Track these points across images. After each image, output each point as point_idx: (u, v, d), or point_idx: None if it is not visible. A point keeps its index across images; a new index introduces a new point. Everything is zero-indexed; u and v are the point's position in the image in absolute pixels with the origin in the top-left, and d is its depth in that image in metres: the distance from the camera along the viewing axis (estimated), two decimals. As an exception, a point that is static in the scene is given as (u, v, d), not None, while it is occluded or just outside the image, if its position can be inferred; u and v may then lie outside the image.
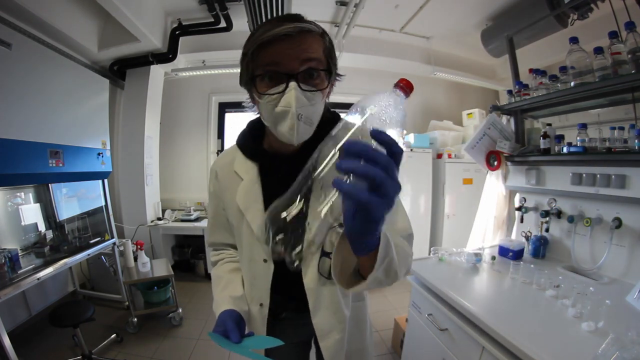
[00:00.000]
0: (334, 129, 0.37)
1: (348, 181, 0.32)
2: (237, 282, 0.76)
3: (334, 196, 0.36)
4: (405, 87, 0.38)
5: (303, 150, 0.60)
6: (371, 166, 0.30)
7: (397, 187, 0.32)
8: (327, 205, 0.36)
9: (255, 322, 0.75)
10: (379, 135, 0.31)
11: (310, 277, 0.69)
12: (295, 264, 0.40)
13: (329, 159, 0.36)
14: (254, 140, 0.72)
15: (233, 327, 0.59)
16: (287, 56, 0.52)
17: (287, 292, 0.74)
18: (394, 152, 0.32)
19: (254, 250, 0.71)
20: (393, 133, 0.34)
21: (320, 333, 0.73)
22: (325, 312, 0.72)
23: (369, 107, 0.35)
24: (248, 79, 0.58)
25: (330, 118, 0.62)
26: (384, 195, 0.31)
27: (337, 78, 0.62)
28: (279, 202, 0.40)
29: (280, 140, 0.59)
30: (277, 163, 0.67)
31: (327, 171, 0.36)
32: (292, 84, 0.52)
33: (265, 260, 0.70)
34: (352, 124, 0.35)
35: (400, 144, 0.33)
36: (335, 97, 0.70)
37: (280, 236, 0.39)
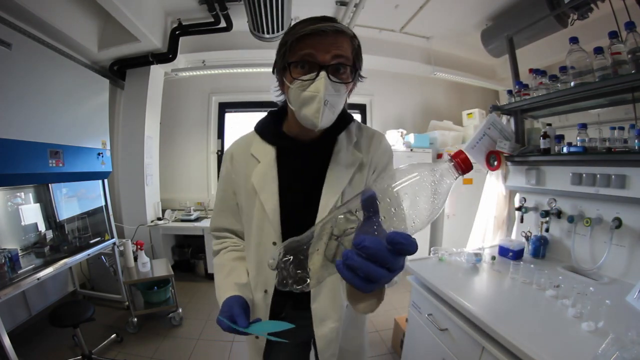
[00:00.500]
0: (381, 179, 0.38)
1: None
2: (241, 270, 0.76)
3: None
4: (461, 165, 0.35)
5: (319, 140, 0.70)
6: (375, 267, 0.33)
7: (396, 274, 0.35)
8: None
9: (259, 310, 0.75)
10: (396, 242, 0.32)
11: (314, 260, 0.68)
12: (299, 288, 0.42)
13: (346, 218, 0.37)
14: (274, 124, 0.76)
15: (240, 312, 0.60)
16: (321, 49, 0.59)
17: None
18: (408, 252, 0.33)
19: (264, 232, 0.71)
20: (426, 206, 0.34)
21: (317, 320, 0.73)
22: (325, 298, 0.73)
23: (413, 175, 0.35)
24: (282, 66, 0.64)
25: (344, 116, 0.71)
26: (379, 284, 0.34)
27: (360, 79, 0.69)
28: (299, 238, 0.42)
29: (301, 124, 0.65)
30: (295, 148, 0.72)
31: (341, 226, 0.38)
32: (323, 73, 0.59)
33: (274, 243, 0.70)
34: (391, 181, 0.35)
35: (433, 217, 0.35)
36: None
37: (290, 265, 0.40)
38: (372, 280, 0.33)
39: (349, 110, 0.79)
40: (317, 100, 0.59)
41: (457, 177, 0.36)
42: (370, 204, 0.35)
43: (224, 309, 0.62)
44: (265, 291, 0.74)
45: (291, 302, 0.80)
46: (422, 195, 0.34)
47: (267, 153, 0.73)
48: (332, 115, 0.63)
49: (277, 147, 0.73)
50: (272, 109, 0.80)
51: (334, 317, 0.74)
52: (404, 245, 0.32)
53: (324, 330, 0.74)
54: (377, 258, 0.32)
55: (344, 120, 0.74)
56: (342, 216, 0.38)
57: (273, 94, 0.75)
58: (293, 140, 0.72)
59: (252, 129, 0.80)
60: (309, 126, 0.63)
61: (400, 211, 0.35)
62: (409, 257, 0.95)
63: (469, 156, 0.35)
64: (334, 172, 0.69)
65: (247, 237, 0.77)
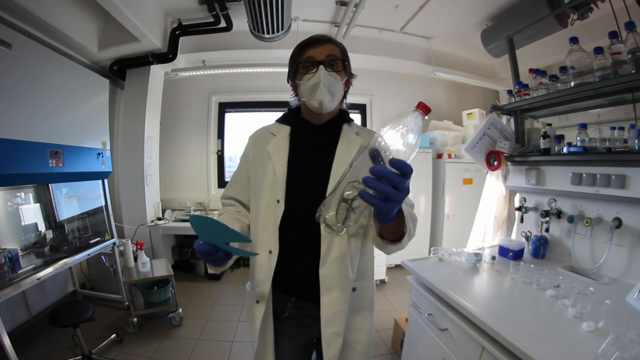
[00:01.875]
0: (371, 142, 0.52)
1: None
2: (235, 224, 0.80)
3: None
4: (423, 109, 0.52)
5: (326, 124, 0.87)
6: (385, 186, 0.47)
7: (404, 195, 0.50)
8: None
9: (262, 269, 0.80)
10: (396, 163, 0.47)
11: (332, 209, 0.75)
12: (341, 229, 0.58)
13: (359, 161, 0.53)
14: (293, 112, 0.93)
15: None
16: (317, 52, 0.81)
17: (297, 241, 0.80)
18: (406, 172, 0.48)
19: (272, 191, 0.80)
20: (410, 144, 0.50)
21: (324, 287, 0.76)
22: (332, 265, 0.77)
23: (398, 127, 0.50)
24: (293, 71, 0.85)
25: (345, 113, 0.92)
26: (393, 202, 0.49)
27: (352, 76, 0.89)
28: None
29: (311, 111, 0.84)
30: (306, 127, 0.88)
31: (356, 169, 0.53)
32: (321, 67, 0.79)
33: (278, 201, 0.79)
34: (381, 139, 0.50)
35: (414, 154, 0.50)
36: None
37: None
38: (387, 199, 0.48)
39: (349, 111, 0.96)
40: (319, 85, 0.78)
41: (424, 117, 0.52)
42: (374, 155, 0.50)
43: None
44: (270, 252, 0.79)
45: (293, 300, 0.82)
46: (407, 136, 0.50)
47: (283, 130, 0.89)
48: (331, 96, 0.81)
49: (291, 126, 0.89)
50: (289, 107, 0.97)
51: (340, 287, 0.76)
52: (402, 164, 0.47)
53: (331, 299, 0.76)
54: (386, 177, 0.47)
55: (347, 116, 0.92)
56: (349, 185, 0.53)
57: (289, 98, 0.94)
58: (306, 122, 0.88)
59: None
60: (316, 107, 0.81)
61: (395, 152, 0.49)
62: (408, 257, 1.14)
63: (429, 105, 0.52)
64: (342, 149, 0.83)
65: (256, 200, 0.85)
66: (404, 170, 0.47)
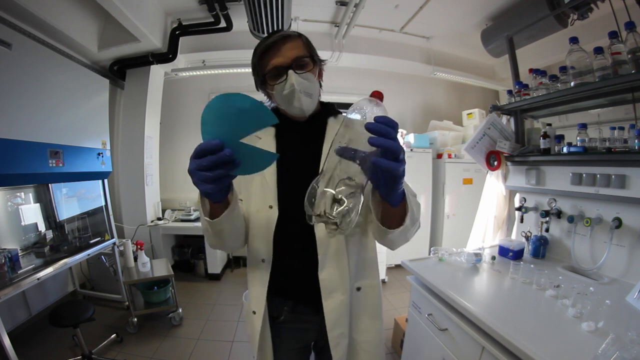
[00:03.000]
0: (340, 126, 0.51)
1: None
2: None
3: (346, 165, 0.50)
4: (377, 96, 0.52)
5: (310, 120, 0.80)
6: (393, 142, 0.45)
7: (403, 150, 0.47)
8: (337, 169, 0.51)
9: (256, 280, 0.78)
10: (384, 119, 0.45)
11: (320, 227, 0.72)
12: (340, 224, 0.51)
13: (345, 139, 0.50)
14: (273, 111, 0.82)
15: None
16: (279, 56, 0.72)
17: (293, 247, 0.77)
18: (393, 126, 0.46)
19: (264, 195, 0.76)
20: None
21: (325, 291, 0.74)
22: (331, 267, 0.74)
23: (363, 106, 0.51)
24: (261, 82, 0.77)
25: (327, 105, 0.85)
26: (400, 160, 0.47)
27: (322, 63, 0.81)
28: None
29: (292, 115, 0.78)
30: (291, 127, 0.81)
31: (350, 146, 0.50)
32: (290, 72, 0.71)
33: (270, 207, 0.75)
34: (357, 119, 0.50)
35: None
36: (338, 97, 0.83)
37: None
38: (395, 157, 0.45)
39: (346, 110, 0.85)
40: (294, 93, 0.72)
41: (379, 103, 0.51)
42: (343, 151, 0.49)
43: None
44: (263, 260, 0.76)
45: (290, 304, 0.80)
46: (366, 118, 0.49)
47: (267, 132, 0.82)
48: (309, 99, 0.75)
49: (276, 127, 0.82)
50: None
51: (342, 289, 0.75)
52: (385, 118, 0.45)
53: (333, 303, 0.74)
54: (389, 134, 0.45)
55: (332, 109, 0.85)
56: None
57: (267, 105, 0.81)
58: (289, 120, 0.81)
59: None
60: (297, 115, 0.76)
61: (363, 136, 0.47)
62: (408, 257, 1.20)
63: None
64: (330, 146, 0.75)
65: (247, 207, 0.79)
66: (390, 123, 0.45)
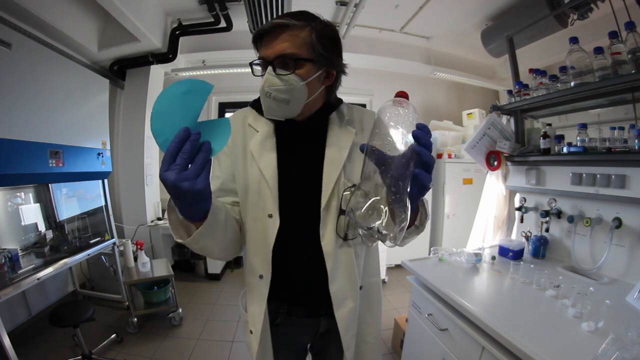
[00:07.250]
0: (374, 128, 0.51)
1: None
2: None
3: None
4: (402, 97, 0.53)
5: (311, 119, 0.71)
6: (431, 155, 0.49)
7: (430, 176, 0.51)
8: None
9: (254, 296, 0.75)
10: (427, 128, 0.49)
11: (328, 240, 0.68)
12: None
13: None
14: None
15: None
16: (266, 47, 0.63)
17: (296, 261, 0.72)
18: (429, 144, 0.49)
19: (261, 201, 0.68)
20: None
21: (337, 302, 0.71)
22: (342, 279, 0.71)
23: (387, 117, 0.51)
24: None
25: (329, 102, 0.74)
26: (430, 172, 0.50)
27: (334, 65, 0.68)
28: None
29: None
30: (291, 124, 0.71)
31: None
32: (269, 69, 0.63)
33: (270, 216, 0.67)
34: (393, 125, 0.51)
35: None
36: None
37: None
38: (428, 168, 0.50)
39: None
40: (263, 94, 0.64)
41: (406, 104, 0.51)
42: (371, 154, 0.49)
43: None
44: (261, 276, 0.71)
45: (286, 307, 0.79)
46: (399, 122, 0.50)
47: (265, 125, 0.73)
48: (284, 105, 0.64)
49: (274, 122, 0.73)
50: None
51: (352, 296, 0.73)
52: (424, 126, 0.50)
53: (344, 312, 0.72)
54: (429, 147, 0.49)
55: (332, 106, 0.75)
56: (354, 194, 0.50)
57: None
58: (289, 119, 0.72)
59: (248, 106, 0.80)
60: (270, 117, 0.68)
61: (392, 140, 0.49)
62: (408, 257, 1.20)
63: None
64: (332, 149, 0.70)
65: (243, 213, 0.73)
66: (429, 134, 0.51)
